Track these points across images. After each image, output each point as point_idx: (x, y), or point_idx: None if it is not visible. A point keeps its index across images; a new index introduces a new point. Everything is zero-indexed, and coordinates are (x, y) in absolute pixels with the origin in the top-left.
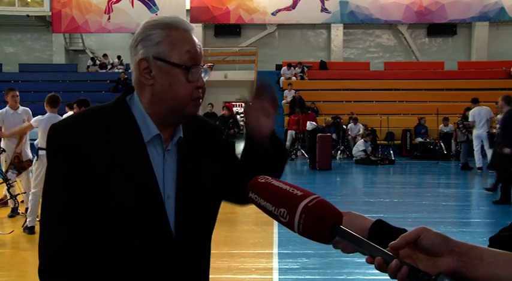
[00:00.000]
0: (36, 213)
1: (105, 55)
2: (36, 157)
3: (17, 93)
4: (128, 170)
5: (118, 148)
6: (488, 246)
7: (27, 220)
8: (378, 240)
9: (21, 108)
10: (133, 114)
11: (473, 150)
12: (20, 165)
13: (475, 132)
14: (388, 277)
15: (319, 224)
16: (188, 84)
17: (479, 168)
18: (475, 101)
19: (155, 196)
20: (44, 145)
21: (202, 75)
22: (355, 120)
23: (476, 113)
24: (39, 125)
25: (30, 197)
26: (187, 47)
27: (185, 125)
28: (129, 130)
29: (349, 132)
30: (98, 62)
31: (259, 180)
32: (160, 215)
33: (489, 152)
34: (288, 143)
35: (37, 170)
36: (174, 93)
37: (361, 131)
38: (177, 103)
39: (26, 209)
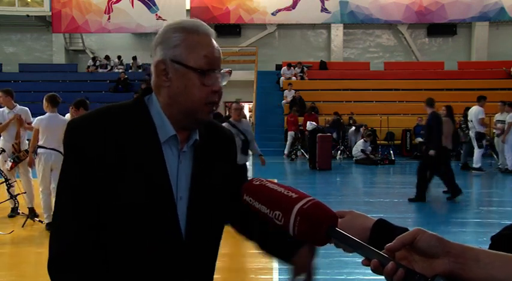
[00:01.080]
0: (49, 209)
1: (107, 57)
2: (35, 156)
3: (5, 94)
4: (142, 170)
5: (134, 147)
6: (490, 245)
7: (44, 215)
8: (379, 240)
9: (18, 107)
10: (150, 114)
11: (473, 150)
12: (17, 154)
13: (471, 132)
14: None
15: (314, 227)
16: (203, 88)
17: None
18: (478, 100)
19: (168, 196)
20: (43, 144)
21: (220, 80)
22: (358, 127)
23: (470, 113)
24: (40, 124)
25: (40, 196)
26: (204, 51)
27: (201, 128)
28: (146, 129)
29: (348, 134)
30: (98, 63)
31: (253, 182)
32: (171, 216)
33: (476, 152)
34: (288, 143)
35: (38, 168)
36: (188, 96)
37: (361, 131)
38: (191, 106)
39: (29, 209)
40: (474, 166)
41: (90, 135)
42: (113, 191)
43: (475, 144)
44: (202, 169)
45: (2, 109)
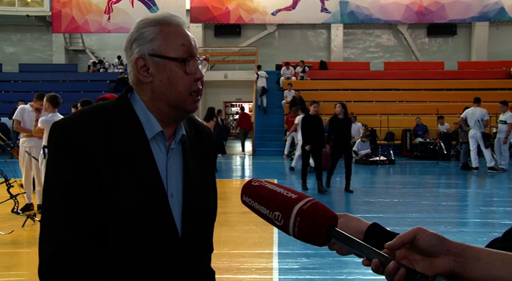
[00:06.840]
0: None
1: (101, 61)
2: (44, 156)
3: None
4: (132, 167)
5: (122, 145)
6: (501, 239)
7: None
8: (373, 243)
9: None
10: (135, 111)
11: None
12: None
13: (470, 132)
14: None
15: (314, 227)
16: (186, 77)
17: (476, 168)
18: (476, 101)
19: (160, 194)
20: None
21: (200, 67)
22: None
23: (469, 113)
24: (45, 125)
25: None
26: (181, 40)
27: (186, 125)
28: (133, 127)
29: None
30: (98, 61)
31: (252, 183)
32: (165, 214)
33: (486, 152)
34: (287, 144)
35: (42, 168)
36: (174, 88)
37: (361, 131)
38: (177, 97)
39: (27, 205)
40: (488, 165)
41: (89, 131)
42: (106, 189)
43: (471, 144)
44: (192, 165)
45: (26, 106)
